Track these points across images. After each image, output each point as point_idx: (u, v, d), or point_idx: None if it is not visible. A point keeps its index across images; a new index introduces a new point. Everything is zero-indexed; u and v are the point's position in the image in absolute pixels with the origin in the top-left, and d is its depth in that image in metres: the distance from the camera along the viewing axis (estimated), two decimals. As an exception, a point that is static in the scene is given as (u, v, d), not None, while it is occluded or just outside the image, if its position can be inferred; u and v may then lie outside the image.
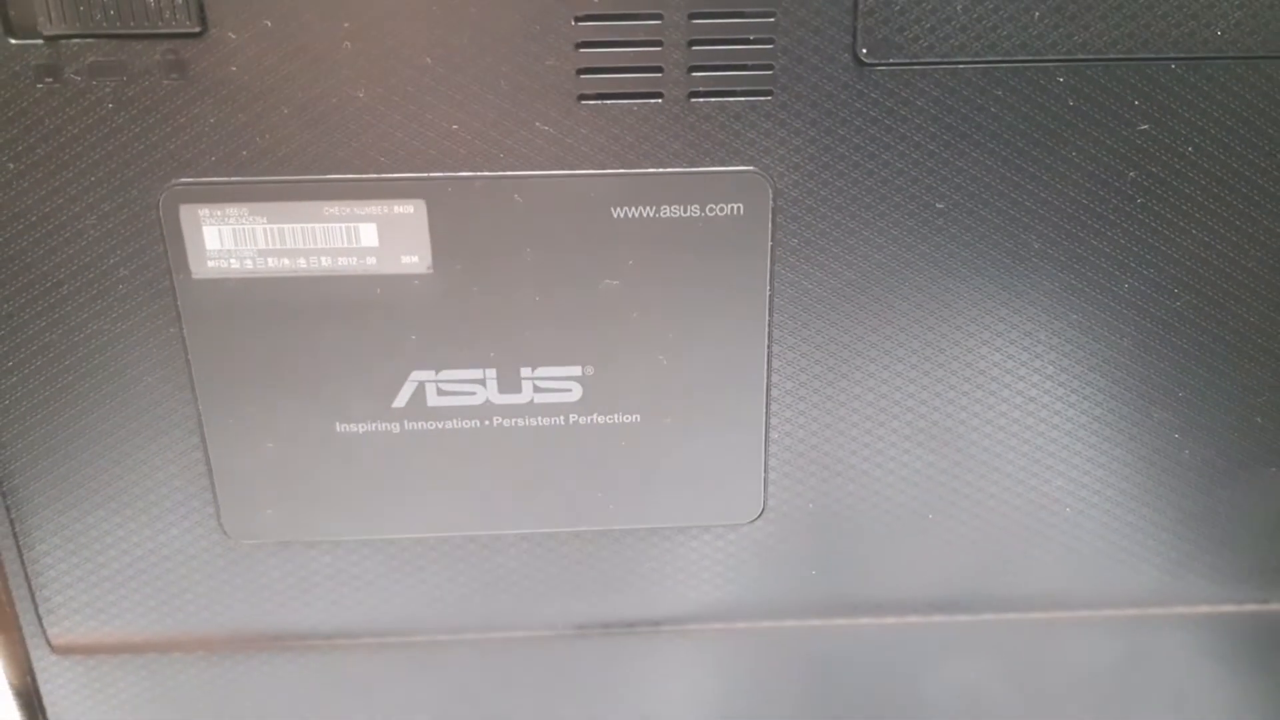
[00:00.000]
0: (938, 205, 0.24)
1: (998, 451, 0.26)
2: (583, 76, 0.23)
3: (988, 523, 0.27)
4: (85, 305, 0.24)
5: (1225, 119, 0.23)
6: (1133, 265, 0.25)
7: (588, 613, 0.28)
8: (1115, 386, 0.26)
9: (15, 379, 0.25)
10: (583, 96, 0.23)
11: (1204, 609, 0.29)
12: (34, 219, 0.23)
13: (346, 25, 0.22)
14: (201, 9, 0.22)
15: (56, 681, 0.29)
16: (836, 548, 0.27)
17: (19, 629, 0.28)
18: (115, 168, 0.23)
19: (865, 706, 0.30)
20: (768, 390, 0.25)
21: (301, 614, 0.28)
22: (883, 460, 0.26)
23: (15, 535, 0.27)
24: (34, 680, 0.29)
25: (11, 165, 0.23)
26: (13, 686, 0.30)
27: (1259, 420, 0.26)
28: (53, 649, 0.28)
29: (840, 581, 0.28)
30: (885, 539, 0.27)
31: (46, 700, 0.29)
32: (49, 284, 0.24)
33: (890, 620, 0.28)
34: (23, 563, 0.27)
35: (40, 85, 0.22)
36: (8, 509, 0.26)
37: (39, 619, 0.28)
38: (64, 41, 0.22)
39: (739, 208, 0.24)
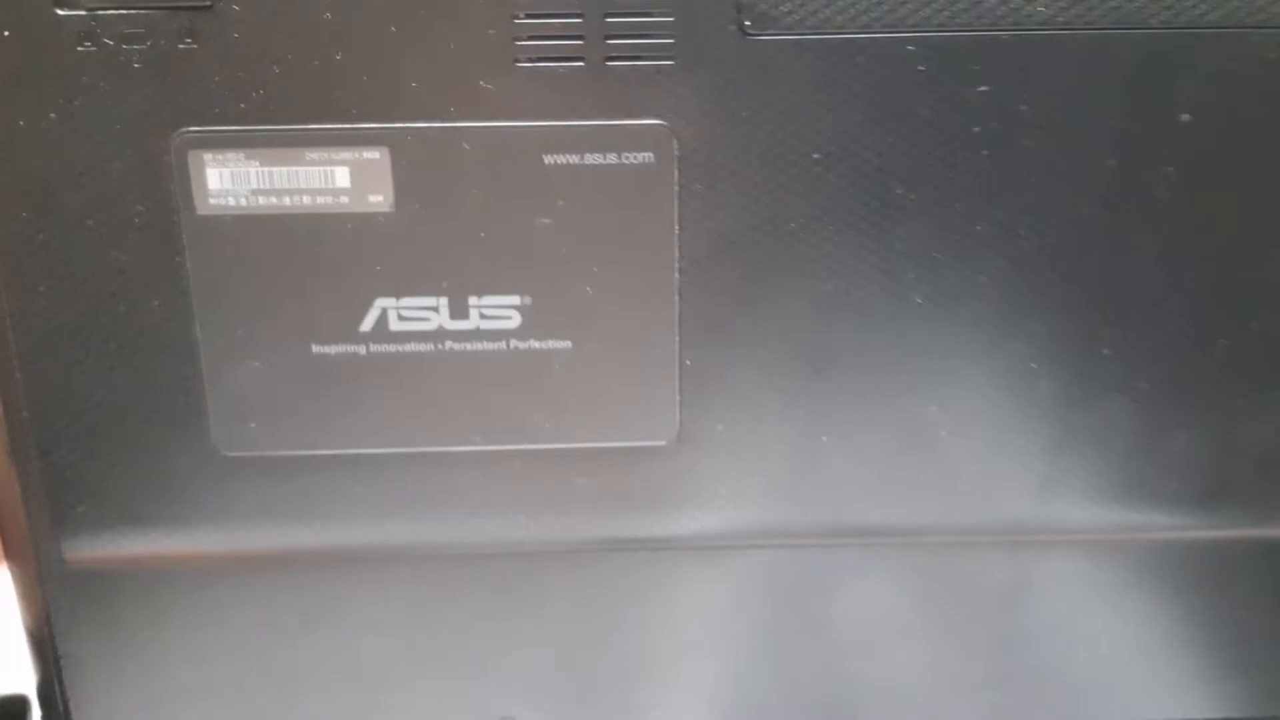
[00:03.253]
0: (814, 156, 0.29)
1: (878, 376, 0.30)
2: (518, 43, 0.28)
3: (873, 445, 0.31)
4: (106, 237, 0.29)
5: (1051, 81, 0.28)
6: (985, 209, 0.29)
7: (526, 528, 0.32)
8: (977, 319, 0.30)
9: (45, 302, 0.29)
10: (518, 60, 0.28)
11: (1075, 536, 0.32)
12: (68, 160, 0.28)
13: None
14: None
15: (65, 596, 0.33)
16: (744, 471, 0.31)
17: (36, 544, 0.32)
18: (136, 118, 0.28)
19: (769, 629, 0.33)
20: (680, 320, 0.30)
21: (282, 529, 0.32)
22: (779, 385, 0.30)
23: (40, 453, 0.31)
24: (44, 595, 0.33)
25: (53, 115, 0.28)
26: (23, 602, 0.34)
27: (1105, 352, 0.30)
28: (65, 563, 0.32)
29: (747, 505, 0.32)
30: (784, 462, 0.31)
31: (54, 615, 0.33)
32: (78, 218, 0.29)
33: (786, 543, 0.32)
34: (44, 481, 0.31)
35: (80, 48, 0.28)
36: (34, 428, 0.31)
37: (56, 535, 0.32)
38: (102, 12, 0.27)
39: (650, 156, 0.29)
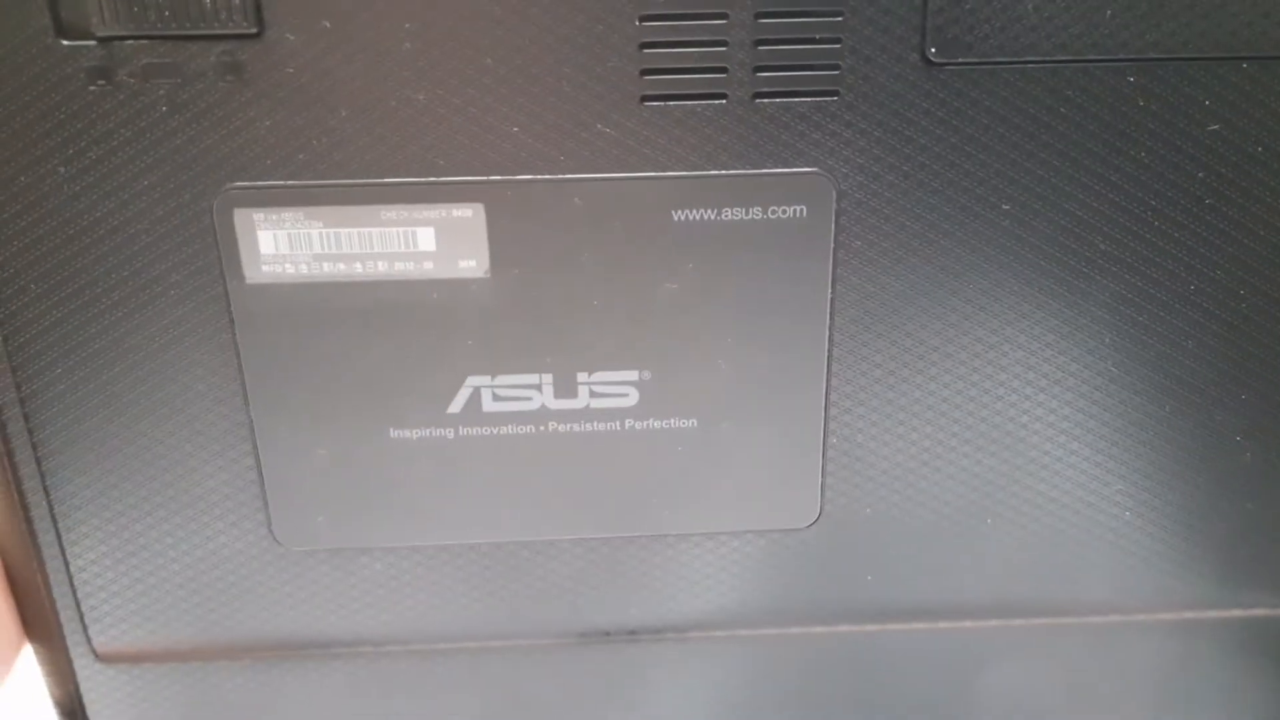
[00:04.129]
0: (1004, 207, 0.23)
1: (1058, 455, 0.26)
2: (646, 78, 0.22)
3: (1046, 526, 0.27)
4: (136, 311, 0.24)
5: (1297, 118, 0.23)
6: (1199, 267, 0.24)
7: (641, 619, 0.28)
8: (1178, 388, 0.25)
9: (64, 385, 0.24)
10: (645, 98, 0.22)
11: (1260, 612, 0.28)
12: (85, 224, 0.23)
13: (407, 26, 0.22)
14: (259, 9, 0.21)
15: (100, 691, 0.29)
16: (892, 553, 0.27)
17: (63, 637, 0.28)
18: (169, 171, 0.23)
19: (917, 712, 0.30)
20: (827, 394, 0.25)
21: (351, 621, 0.27)
22: (941, 465, 0.26)
23: (61, 542, 0.26)
24: (77, 689, 0.29)
25: (62, 169, 0.22)
26: (55, 696, 0.30)
27: None
28: (97, 657, 0.28)
29: (895, 587, 0.28)
30: (942, 544, 0.27)
31: (90, 710, 0.29)
32: (100, 289, 0.24)
33: (944, 625, 0.28)
34: (68, 570, 0.27)
35: (93, 88, 0.22)
36: (54, 516, 0.26)
37: (84, 627, 0.27)
38: (117, 43, 0.21)
39: (802, 210, 0.23)
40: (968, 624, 0.28)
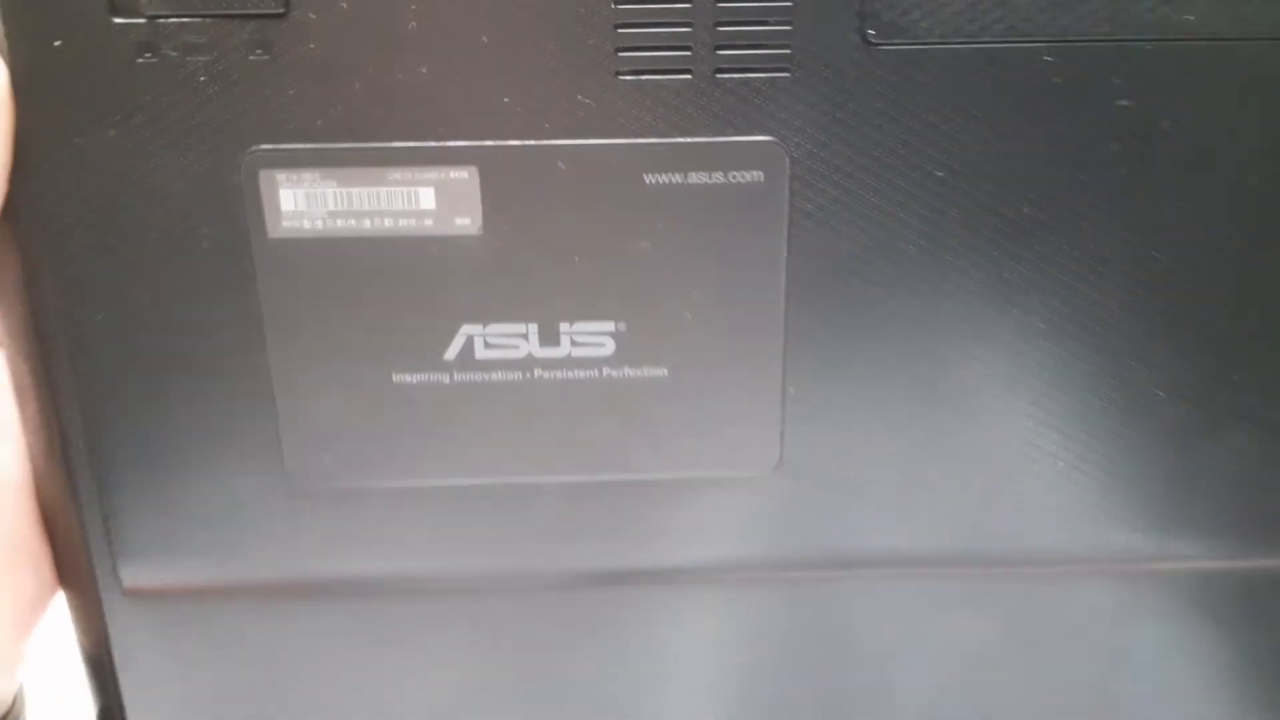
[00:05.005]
0: (938, 174, 0.26)
1: (995, 406, 0.29)
2: (620, 54, 0.25)
3: (987, 476, 0.29)
4: (171, 262, 0.27)
5: (1198, 96, 0.26)
6: (1117, 230, 0.27)
7: (618, 562, 0.30)
8: (1101, 345, 0.28)
9: (105, 330, 0.27)
10: (619, 73, 0.26)
11: (1191, 565, 0.31)
12: (130, 181, 0.26)
13: (413, 8, 0.25)
14: None
15: (125, 625, 0.31)
16: (846, 500, 0.30)
17: (94, 578, 0.31)
18: (204, 135, 0.26)
19: (873, 659, 0.32)
20: (784, 346, 0.28)
21: (355, 559, 0.30)
22: (887, 414, 0.29)
23: (97, 484, 0.29)
24: (105, 629, 0.31)
25: (112, 133, 0.26)
26: (83, 638, 0.33)
27: (1235, 378, 0.28)
28: (126, 596, 0.30)
29: (850, 534, 0.30)
30: (892, 492, 0.29)
31: (116, 649, 0.31)
32: (140, 242, 0.27)
33: (896, 573, 0.31)
34: (101, 510, 0.29)
35: (140, 60, 0.25)
36: (91, 459, 0.29)
37: (114, 566, 0.30)
38: (162, 21, 0.25)
39: (759, 175, 0.26)
40: (918, 572, 0.31)
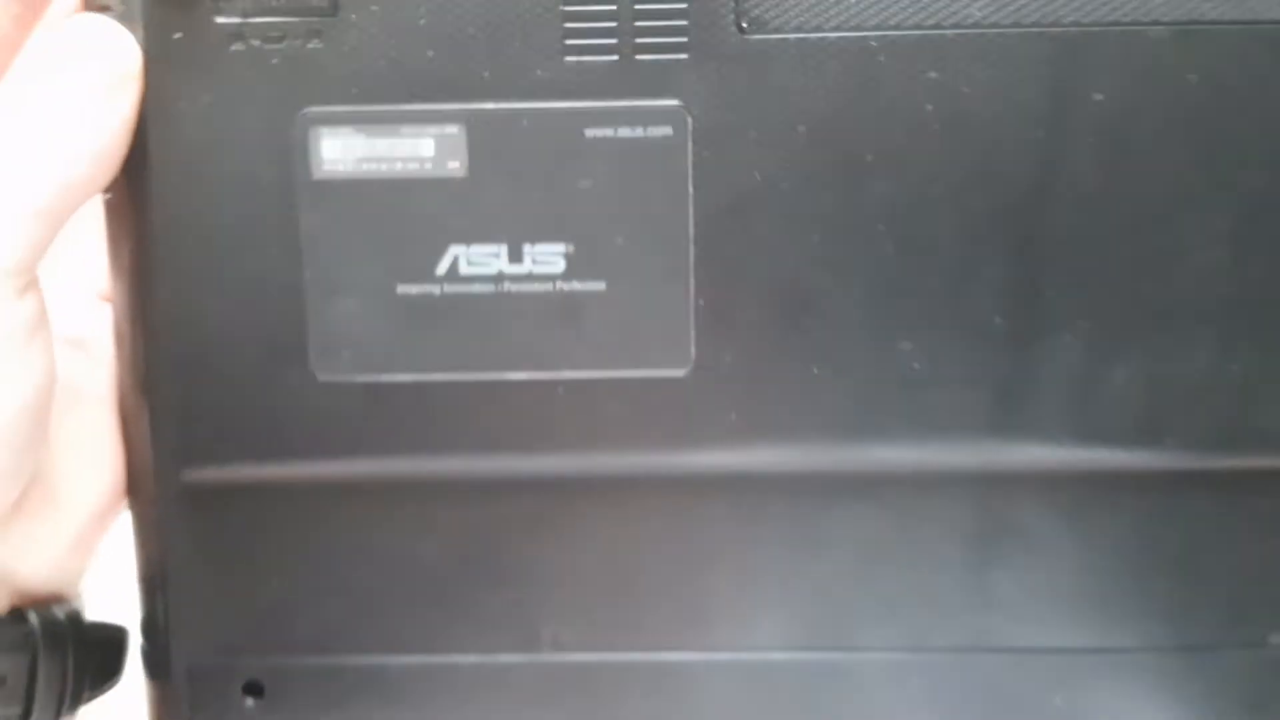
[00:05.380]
0: (800, 129, 0.36)
1: (859, 316, 0.37)
2: (567, 43, 0.36)
3: (854, 379, 0.37)
4: (239, 199, 0.37)
5: (982, 71, 0.36)
6: (938, 171, 0.36)
7: (569, 454, 0.38)
8: (939, 268, 0.37)
9: (187, 254, 0.37)
10: (567, 55, 0.36)
11: (1032, 470, 0.38)
12: (215, 137, 0.36)
13: (422, 9, 0.36)
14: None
15: (180, 524, 0.39)
16: (752, 399, 0.37)
17: (157, 473, 0.38)
18: (271, 102, 0.36)
19: (772, 559, 0.39)
20: (693, 263, 0.37)
21: (367, 451, 0.38)
22: (777, 323, 0.37)
23: (165, 389, 0.38)
24: (163, 525, 0.39)
25: (207, 100, 0.36)
26: (141, 533, 0.40)
27: (1050, 294, 0.37)
28: (181, 490, 0.38)
29: (756, 432, 0.38)
30: (782, 392, 0.37)
31: (169, 545, 0.39)
32: (215, 183, 0.37)
33: (794, 463, 0.38)
34: (167, 413, 0.38)
35: (232, 48, 0.36)
36: (164, 369, 0.38)
37: (175, 463, 0.38)
38: (250, 20, 0.36)
39: (669, 130, 0.36)
40: (816, 470, 0.38)
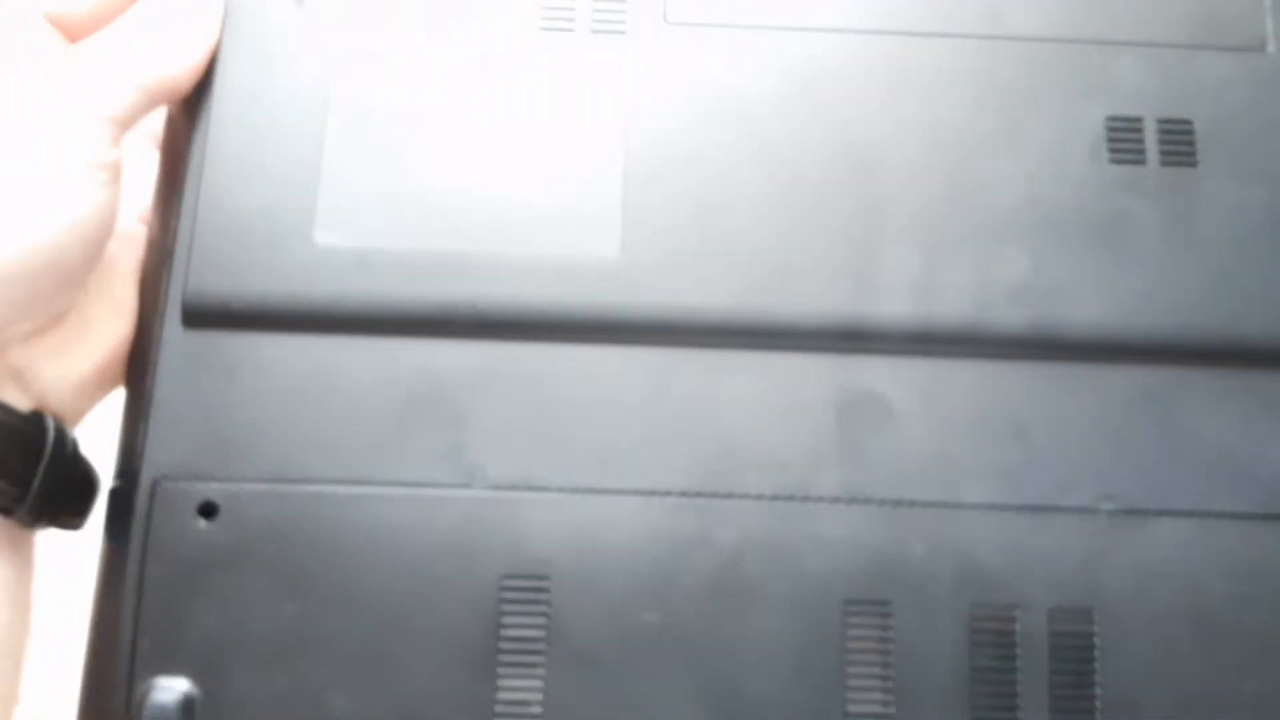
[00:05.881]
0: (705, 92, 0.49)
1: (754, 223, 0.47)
2: (543, 31, 0.49)
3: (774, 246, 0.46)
4: (280, 111, 0.48)
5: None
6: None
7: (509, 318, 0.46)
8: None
9: (239, 160, 0.47)
10: (543, 31, 0.49)
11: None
12: (269, 67, 0.49)
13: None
14: None
15: (174, 356, 0.46)
16: (674, 275, 0.46)
17: (160, 308, 0.46)
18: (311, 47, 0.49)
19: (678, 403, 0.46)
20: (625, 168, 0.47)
21: (347, 304, 0.46)
22: (684, 212, 0.47)
23: (178, 239, 0.46)
24: (157, 350, 0.46)
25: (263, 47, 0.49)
26: (137, 358, 0.46)
27: None
28: (182, 320, 0.46)
29: (679, 303, 0.46)
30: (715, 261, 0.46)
31: (160, 375, 0.45)
32: (269, 99, 0.48)
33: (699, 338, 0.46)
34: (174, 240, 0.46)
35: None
36: (177, 223, 0.46)
37: (182, 288, 0.46)
38: None
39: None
40: (712, 332, 0.46)
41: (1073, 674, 0.43)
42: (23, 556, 0.43)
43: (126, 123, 0.45)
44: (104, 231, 0.44)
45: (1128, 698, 0.43)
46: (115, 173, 0.43)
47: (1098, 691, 0.43)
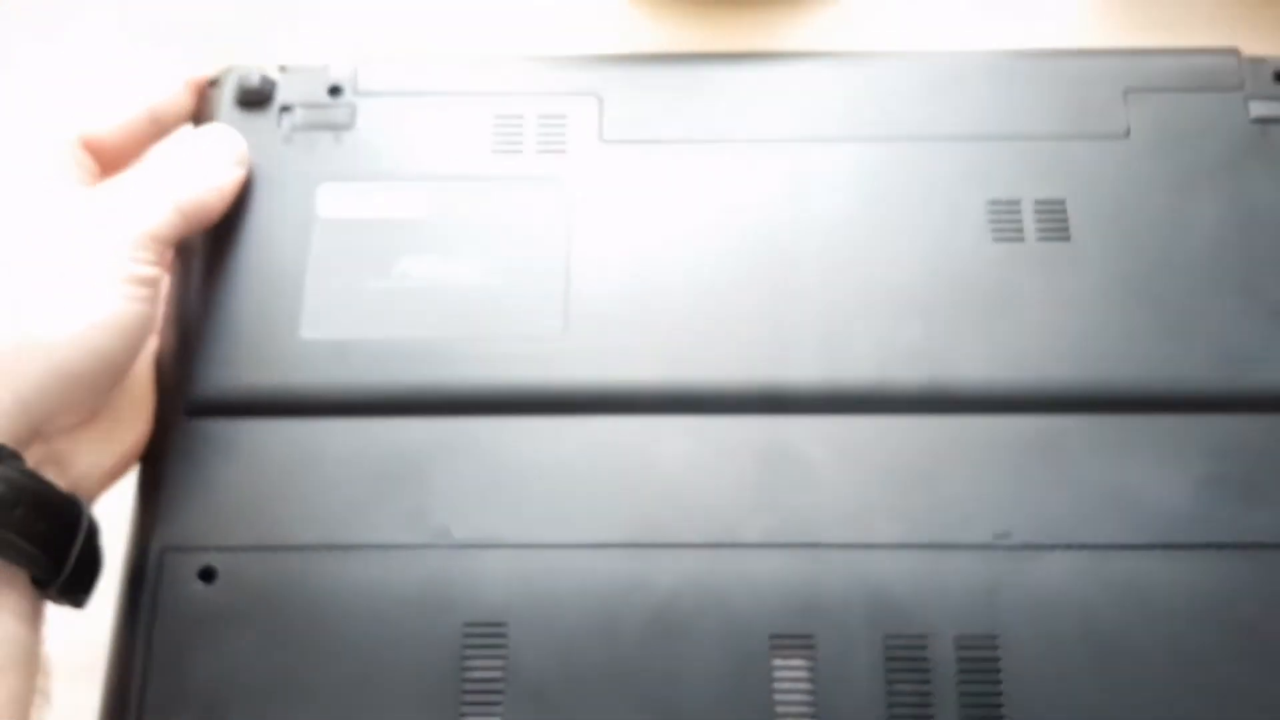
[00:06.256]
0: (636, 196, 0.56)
1: (683, 299, 0.54)
2: (495, 142, 0.57)
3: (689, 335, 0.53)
4: (269, 229, 0.56)
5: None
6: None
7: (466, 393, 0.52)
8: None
9: (227, 278, 0.55)
10: (493, 150, 0.57)
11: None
12: (262, 192, 0.56)
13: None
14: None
15: (180, 438, 0.52)
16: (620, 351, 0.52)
17: (174, 392, 0.53)
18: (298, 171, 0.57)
19: (618, 462, 0.51)
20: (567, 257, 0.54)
21: (328, 389, 0.53)
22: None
23: (184, 339, 0.54)
24: (165, 437, 0.52)
25: (258, 171, 0.57)
26: (150, 451, 0.52)
27: None
28: (186, 409, 0.52)
29: (606, 373, 0.52)
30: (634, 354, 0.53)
31: (171, 460, 0.52)
32: (262, 216, 0.56)
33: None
34: (179, 360, 0.53)
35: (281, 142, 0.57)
36: (180, 324, 0.54)
37: (187, 383, 0.53)
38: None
39: (558, 186, 0.56)
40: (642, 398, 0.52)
41: (981, 695, 0.48)
42: (39, 627, 0.48)
43: (166, 240, 0.49)
44: (145, 338, 0.48)
45: (1031, 715, 0.47)
46: (156, 287, 0.48)
47: (1004, 710, 0.47)
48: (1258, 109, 0.56)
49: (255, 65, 0.58)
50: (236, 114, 0.57)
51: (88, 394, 0.47)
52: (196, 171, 0.52)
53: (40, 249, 0.46)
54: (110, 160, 0.51)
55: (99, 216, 0.49)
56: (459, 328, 0.53)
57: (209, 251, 0.55)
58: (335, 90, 0.58)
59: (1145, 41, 0.64)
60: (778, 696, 0.48)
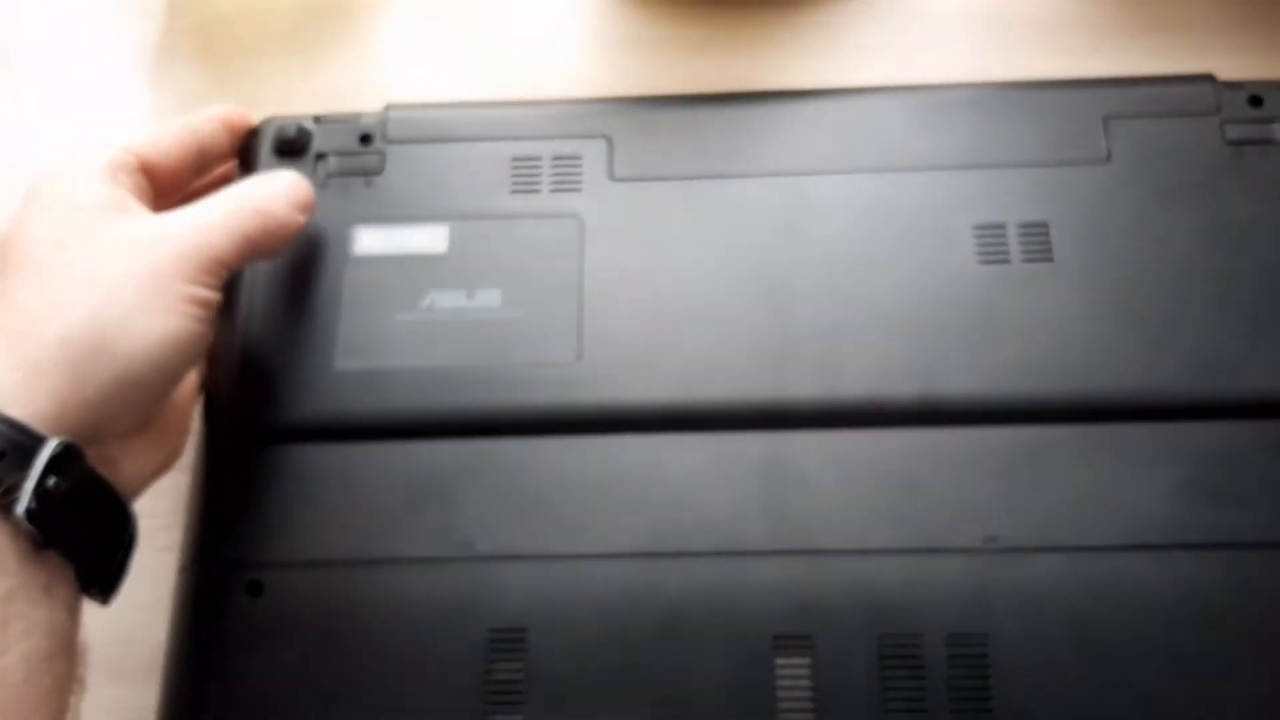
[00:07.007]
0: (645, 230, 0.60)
1: (686, 324, 0.58)
2: (513, 181, 0.62)
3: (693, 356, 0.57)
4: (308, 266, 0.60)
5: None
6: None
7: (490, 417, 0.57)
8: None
9: (266, 308, 0.60)
10: (513, 191, 0.61)
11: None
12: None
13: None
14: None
15: (228, 462, 0.57)
16: (615, 381, 0.57)
17: (217, 418, 0.57)
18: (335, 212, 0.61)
19: (634, 476, 0.55)
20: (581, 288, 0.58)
21: (361, 414, 0.57)
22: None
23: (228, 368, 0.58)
24: (213, 461, 0.57)
25: (299, 215, 0.62)
26: (198, 475, 0.57)
27: None
28: (232, 436, 0.57)
29: (619, 396, 0.56)
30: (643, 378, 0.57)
31: (217, 477, 0.57)
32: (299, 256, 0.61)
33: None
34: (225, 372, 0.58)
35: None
36: (241, 366, 0.59)
37: (232, 412, 0.57)
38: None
39: (574, 221, 0.60)
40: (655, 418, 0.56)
41: (970, 689, 0.51)
42: (79, 618, 0.48)
43: (231, 268, 0.50)
44: (199, 357, 0.50)
45: (1019, 709, 0.50)
46: (214, 309, 0.50)
47: (993, 705, 0.50)
48: (1233, 132, 0.59)
49: (291, 116, 0.63)
50: (274, 161, 0.62)
51: (146, 403, 0.49)
52: (268, 208, 0.53)
53: (116, 264, 0.47)
54: (161, 187, 0.54)
55: (172, 238, 0.49)
56: (481, 356, 0.57)
57: (255, 288, 0.60)
58: (365, 139, 0.63)
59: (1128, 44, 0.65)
60: (780, 693, 0.51)
